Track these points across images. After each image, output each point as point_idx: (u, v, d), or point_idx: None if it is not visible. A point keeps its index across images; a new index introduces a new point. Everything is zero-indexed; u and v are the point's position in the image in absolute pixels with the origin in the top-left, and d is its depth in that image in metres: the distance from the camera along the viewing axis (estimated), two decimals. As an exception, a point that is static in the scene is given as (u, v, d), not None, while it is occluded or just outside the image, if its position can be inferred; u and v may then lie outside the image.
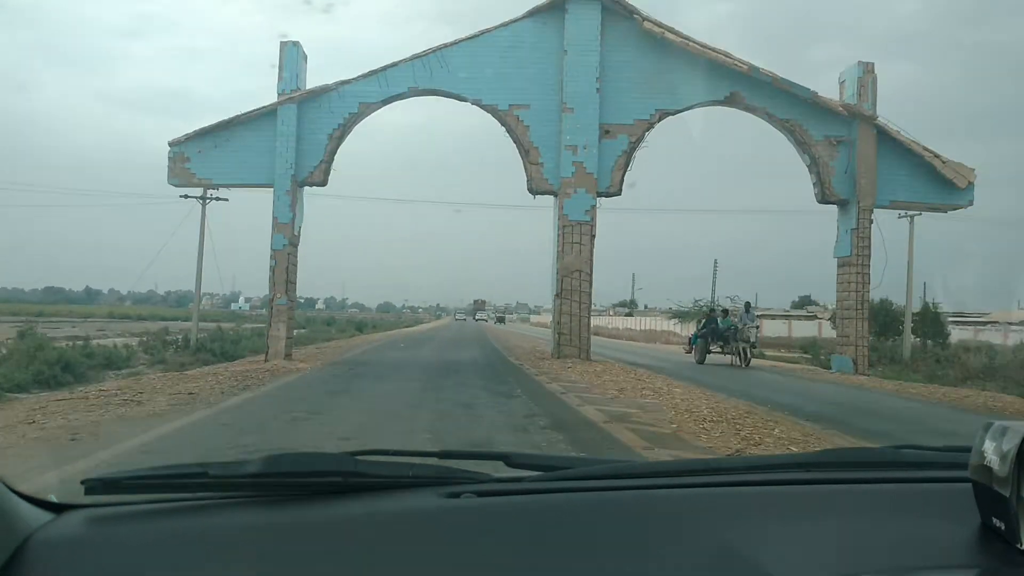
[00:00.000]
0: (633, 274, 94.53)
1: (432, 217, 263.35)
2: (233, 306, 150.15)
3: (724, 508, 1.29)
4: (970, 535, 1.15)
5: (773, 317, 45.09)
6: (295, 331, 19.85)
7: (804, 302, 63.26)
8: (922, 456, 1.59)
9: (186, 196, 23.47)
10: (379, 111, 18.10)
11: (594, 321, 67.95)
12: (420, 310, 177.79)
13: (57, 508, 1.19)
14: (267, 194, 17.45)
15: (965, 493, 1.16)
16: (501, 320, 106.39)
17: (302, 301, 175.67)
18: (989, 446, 1.08)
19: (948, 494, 1.29)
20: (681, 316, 44.26)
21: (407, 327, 64.94)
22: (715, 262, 65.04)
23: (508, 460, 1.47)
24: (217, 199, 24.82)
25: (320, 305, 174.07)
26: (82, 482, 1.20)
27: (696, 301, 44.68)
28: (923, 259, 26.22)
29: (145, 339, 25.70)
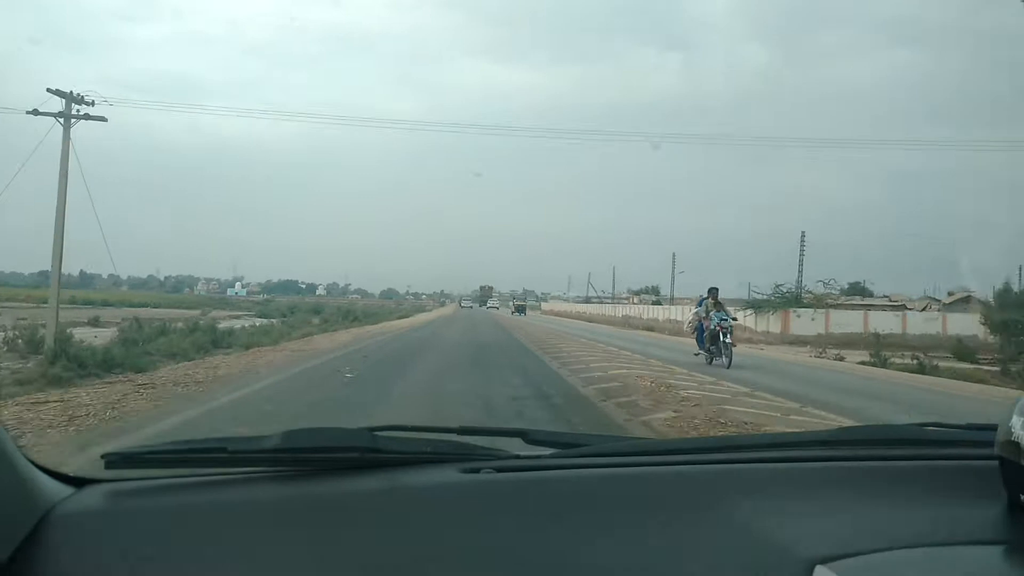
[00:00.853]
0: (673, 254, 76.83)
1: (435, 201, 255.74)
2: (229, 292, 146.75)
3: (743, 485, 1.28)
4: (997, 512, 1.14)
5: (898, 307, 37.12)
6: (260, 320, 15.61)
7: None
8: (946, 434, 1.58)
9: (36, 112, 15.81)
10: None
11: (620, 310, 56.21)
12: (424, 296, 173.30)
13: (78, 482, 1.20)
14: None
15: (992, 471, 1.14)
16: (521, 310, 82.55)
17: (302, 287, 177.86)
18: (1017, 422, 1.06)
19: (974, 471, 1.27)
20: (757, 306, 37.68)
21: (401, 317, 51.96)
22: (802, 235, 50.66)
23: (526, 437, 1.48)
24: (89, 117, 17.03)
25: (321, 291, 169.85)
26: (102, 456, 1.21)
27: (777, 286, 39.16)
28: None
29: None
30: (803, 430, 5.19)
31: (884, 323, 32.56)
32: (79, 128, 16.78)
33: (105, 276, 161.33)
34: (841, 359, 23.03)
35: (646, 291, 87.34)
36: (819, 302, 37.40)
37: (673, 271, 74.14)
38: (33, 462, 1.14)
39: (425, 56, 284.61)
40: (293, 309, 52.70)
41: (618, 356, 18.26)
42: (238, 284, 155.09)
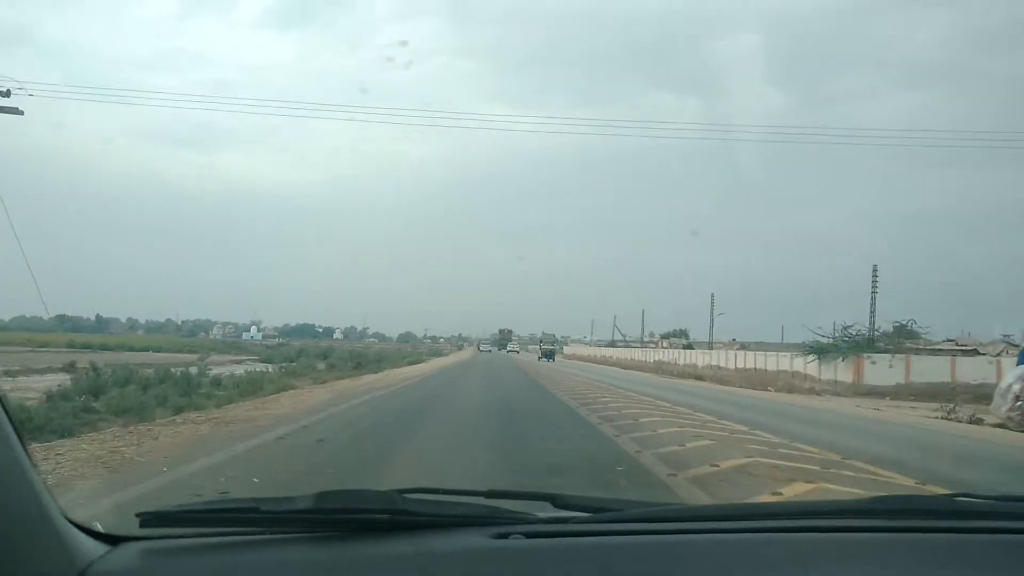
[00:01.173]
0: (712, 294, 69.96)
1: (452, 246, 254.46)
2: (245, 336, 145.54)
3: (774, 555, 1.27)
4: None
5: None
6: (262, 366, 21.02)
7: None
8: (980, 505, 1.53)
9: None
10: None
11: (650, 355, 50.85)
12: (441, 340, 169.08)
13: (113, 540, 1.22)
14: None
15: None
16: (549, 355, 69.86)
17: (319, 330, 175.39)
18: None
19: (1007, 545, 1.27)
20: (821, 352, 32.40)
21: (412, 363, 47.31)
22: (874, 269, 43.82)
23: (555, 501, 1.46)
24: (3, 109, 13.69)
25: (338, 335, 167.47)
26: (137, 515, 1.23)
27: (846, 328, 34.35)
28: None
29: None
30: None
31: (977, 371, 27.39)
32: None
33: (124, 320, 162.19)
34: (978, 421, 16.69)
35: (674, 334, 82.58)
36: (897, 346, 32.39)
37: (712, 312, 67.90)
38: (69, 519, 1.15)
39: (442, 101, 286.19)
40: (301, 353, 49.22)
41: (713, 427, 12.83)
42: (254, 328, 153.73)
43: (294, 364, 34.98)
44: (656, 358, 57.94)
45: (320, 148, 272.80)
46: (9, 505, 1.04)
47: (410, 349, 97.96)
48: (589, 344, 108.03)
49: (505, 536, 1.25)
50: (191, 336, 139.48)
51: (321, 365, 34.67)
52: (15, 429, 1.09)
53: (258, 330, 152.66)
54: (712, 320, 67.34)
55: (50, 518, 1.09)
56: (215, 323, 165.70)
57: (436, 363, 49.27)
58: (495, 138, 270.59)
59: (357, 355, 45.15)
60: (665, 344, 74.17)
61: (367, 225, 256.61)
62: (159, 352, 54.28)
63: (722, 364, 43.91)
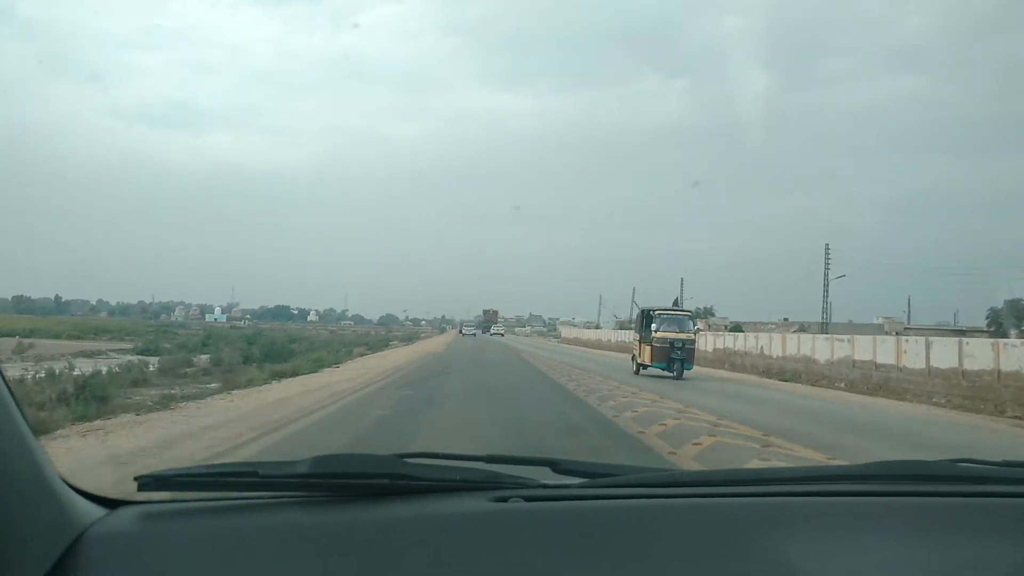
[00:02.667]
0: (682, 279, 64.91)
1: (435, 226, 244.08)
2: (208, 318, 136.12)
3: (773, 519, 1.26)
4: None
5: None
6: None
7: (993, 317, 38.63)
8: (980, 471, 1.53)
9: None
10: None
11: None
12: (423, 322, 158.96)
13: (111, 503, 1.21)
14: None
15: None
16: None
17: (294, 312, 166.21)
18: None
19: (1009, 509, 1.27)
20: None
21: (374, 351, 35.75)
22: (826, 248, 37.26)
23: (555, 466, 1.44)
24: None
25: (313, 317, 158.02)
26: (135, 478, 1.20)
27: None
28: None
29: None
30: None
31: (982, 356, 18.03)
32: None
33: (94, 302, 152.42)
34: None
35: (705, 314, 72.37)
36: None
37: (681, 294, 60.44)
38: (67, 483, 1.13)
39: (427, 82, 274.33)
40: (207, 342, 39.72)
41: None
42: (218, 309, 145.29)
43: (172, 357, 24.68)
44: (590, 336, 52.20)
45: (304, 128, 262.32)
46: (5, 467, 1.01)
47: (384, 333, 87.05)
48: (577, 326, 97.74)
49: (505, 500, 1.25)
50: (155, 318, 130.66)
51: (202, 360, 23.85)
52: (11, 393, 1.05)
53: (222, 312, 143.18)
54: (680, 301, 59.27)
55: (47, 481, 1.07)
56: (178, 305, 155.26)
57: (404, 353, 34.14)
58: (485, 118, 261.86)
59: (284, 345, 34.41)
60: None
61: (350, 206, 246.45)
62: (54, 339, 45.50)
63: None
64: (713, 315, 66.42)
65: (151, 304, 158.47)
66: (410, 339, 66.56)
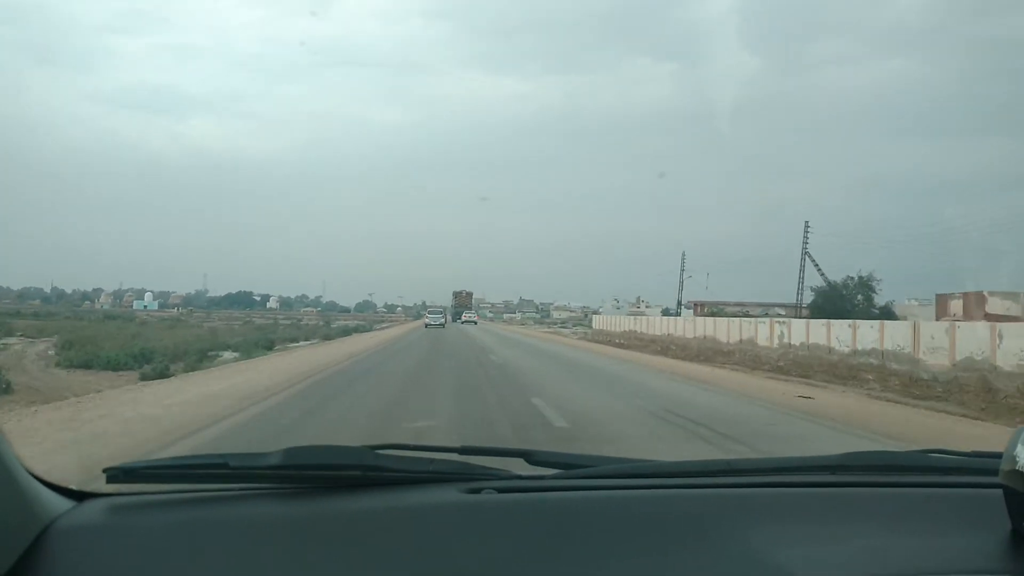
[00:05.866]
0: (683, 253, 66.82)
1: (414, 210, 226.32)
2: (137, 304, 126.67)
3: (746, 509, 1.26)
4: (1000, 541, 1.11)
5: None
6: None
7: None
8: (950, 461, 1.56)
9: None
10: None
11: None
12: (398, 309, 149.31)
13: (78, 496, 1.19)
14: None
15: (995, 499, 1.11)
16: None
17: (256, 299, 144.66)
18: (1022, 451, 1.04)
19: (977, 500, 1.26)
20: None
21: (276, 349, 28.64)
22: (805, 224, 36.64)
23: (529, 457, 1.43)
24: None
25: (273, 304, 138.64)
26: (104, 470, 1.19)
27: None
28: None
29: None
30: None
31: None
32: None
33: (17, 289, 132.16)
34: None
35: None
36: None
37: (681, 276, 63.75)
38: (34, 475, 1.11)
39: (413, 67, 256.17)
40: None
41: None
42: (148, 296, 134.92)
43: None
44: (628, 327, 49.42)
45: (281, 114, 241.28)
46: None
47: (344, 321, 75.83)
48: (573, 312, 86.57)
49: (477, 492, 1.24)
50: (77, 305, 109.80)
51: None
52: None
53: (153, 298, 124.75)
54: (681, 284, 64.14)
55: (11, 473, 1.03)
56: (102, 291, 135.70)
57: (320, 354, 22.79)
58: (471, 101, 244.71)
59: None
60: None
61: (327, 192, 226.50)
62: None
63: (679, 332, 38.58)
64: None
65: (74, 292, 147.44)
66: (363, 329, 55.19)
